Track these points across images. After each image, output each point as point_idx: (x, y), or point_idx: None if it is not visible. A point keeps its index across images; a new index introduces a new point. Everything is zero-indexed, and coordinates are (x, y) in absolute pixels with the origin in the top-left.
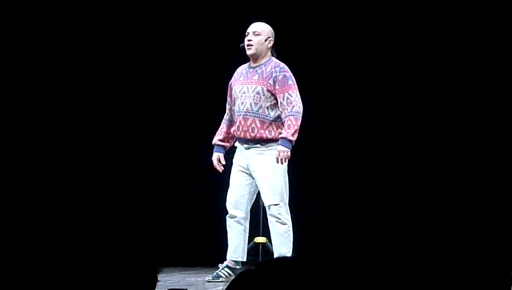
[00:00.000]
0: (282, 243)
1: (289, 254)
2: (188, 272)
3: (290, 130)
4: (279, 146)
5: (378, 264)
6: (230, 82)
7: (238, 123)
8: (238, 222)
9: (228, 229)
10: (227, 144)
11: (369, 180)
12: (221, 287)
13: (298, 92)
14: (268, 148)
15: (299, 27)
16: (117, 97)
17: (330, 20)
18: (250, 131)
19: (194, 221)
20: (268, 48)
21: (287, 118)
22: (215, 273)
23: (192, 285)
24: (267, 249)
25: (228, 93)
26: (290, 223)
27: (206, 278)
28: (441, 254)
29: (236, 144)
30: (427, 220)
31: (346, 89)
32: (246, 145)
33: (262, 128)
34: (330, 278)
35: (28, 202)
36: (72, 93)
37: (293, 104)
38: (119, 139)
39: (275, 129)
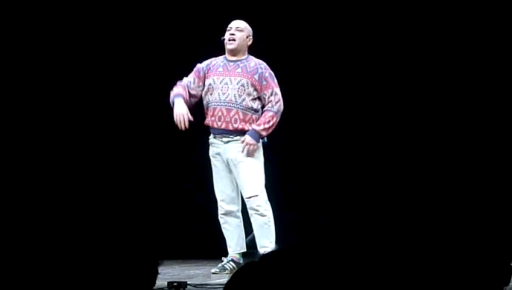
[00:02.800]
0: (264, 235)
1: (272, 245)
2: (187, 264)
3: (265, 125)
4: (248, 137)
5: (376, 256)
6: (201, 67)
7: (219, 113)
8: (235, 216)
9: (225, 226)
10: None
11: (359, 173)
12: (222, 280)
13: None
14: None
15: (279, 25)
16: (114, 96)
17: (313, 18)
18: (232, 122)
19: (194, 214)
20: (248, 45)
21: (269, 112)
22: (220, 265)
23: (192, 277)
24: None
25: (195, 74)
26: (269, 213)
27: (212, 270)
28: (433, 247)
29: (212, 139)
30: (419, 214)
31: (329, 87)
32: (225, 139)
33: (244, 120)
34: (334, 269)
35: (24, 197)
36: (69, 94)
37: (279, 102)
38: (119, 134)
39: (255, 123)
